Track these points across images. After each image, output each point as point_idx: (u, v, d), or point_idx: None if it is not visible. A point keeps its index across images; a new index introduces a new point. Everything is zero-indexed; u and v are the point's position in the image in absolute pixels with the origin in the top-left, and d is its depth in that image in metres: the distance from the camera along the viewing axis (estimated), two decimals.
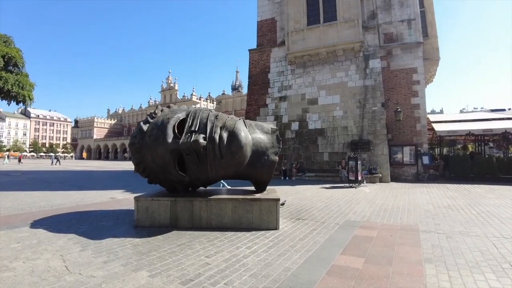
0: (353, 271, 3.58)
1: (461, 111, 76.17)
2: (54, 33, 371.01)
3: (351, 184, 13.64)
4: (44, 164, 44.36)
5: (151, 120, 5.82)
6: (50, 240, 4.79)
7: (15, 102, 6.95)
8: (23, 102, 6.89)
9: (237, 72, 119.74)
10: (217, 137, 5.28)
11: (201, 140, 5.09)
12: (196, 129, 5.37)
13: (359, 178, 13.70)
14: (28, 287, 3.09)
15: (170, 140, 5.23)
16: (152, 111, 6.14)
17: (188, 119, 5.60)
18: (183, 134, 5.29)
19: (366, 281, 3.28)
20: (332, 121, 18.16)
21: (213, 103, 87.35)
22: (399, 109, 16.40)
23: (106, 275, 3.41)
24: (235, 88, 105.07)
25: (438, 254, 4.20)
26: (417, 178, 17.06)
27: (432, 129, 19.15)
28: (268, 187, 6.96)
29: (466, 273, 3.54)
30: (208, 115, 5.69)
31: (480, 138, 19.95)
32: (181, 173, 5.45)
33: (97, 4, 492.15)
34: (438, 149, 22.31)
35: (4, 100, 6.90)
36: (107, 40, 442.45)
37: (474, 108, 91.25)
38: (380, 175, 15.83)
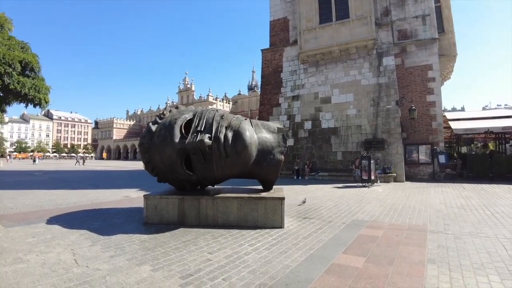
0: (352, 270, 3.59)
1: (483, 108, 73.62)
2: (72, 35, 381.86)
3: (364, 184, 13.49)
4: (65, 164, 45.85)
5: (159, 121, 5.99)
6: (63, 235, 5.03)
7: (32, 105, 7.34)
8: (39, 105, 7.26)
9: (253, 72, 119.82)
10: (222, 136, 5.38)
11: (206, 140, 5.21)
12: (202, 129, 5.49)
13: (372, 177, 13.53)
14: (38, 278, 3.29)
15: (177, 140, 5.38)
16: (161, 112, 6.31)
17: (195, 119, 5.73)
18: (190, 134, 5.42)
19: (364, 280, 3.29)
20: (345, 120, 17.99)
21: (229, 103, 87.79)
22: (413, 107, 16.08)
23: (111, 268, 3.58)
24: (251, 88, 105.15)
25: (442, 255, 4.14)
26: (433, 178, 16.67)
27: (449, 127, 18.65)
28: (276, 186, 7.02)
29: (469, 274, 3.48)
30: (214, 115, 5.81)
31: (500, 136, 19.26)
32: (188, 172, 5.58)
33: (114, 5, 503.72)
34: (457, 147, 21.69)
35: (22, 103, 7.29)
36: (125, 41, 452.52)
37: (498, 105, 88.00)
38: (395, 174, 15.56)
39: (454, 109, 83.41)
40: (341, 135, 18.01)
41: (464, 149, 19.08)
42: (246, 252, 4.22)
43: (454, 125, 17.88)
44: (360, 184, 13.64)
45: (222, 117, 5.80)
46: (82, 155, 64.88)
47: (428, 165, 17.10)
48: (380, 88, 16.98)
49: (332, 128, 18.34)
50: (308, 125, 19.25)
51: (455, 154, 20.65)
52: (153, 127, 5.88)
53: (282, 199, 5.74)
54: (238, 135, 5.42)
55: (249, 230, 5.40)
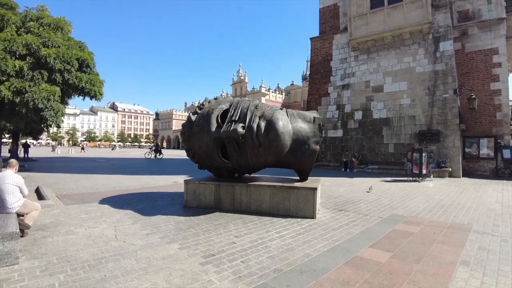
0: (373, 264, 3.53)
1: None
2: (134, 30, 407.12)
3: (414, 178, 12.76)
4: (127, 153, 49.82)
5: (199, 111, 6.32)
6: (110, 214, 5.63)
7: (89, 98, 8.28)
8: (95, 97, 8.16)
9: (307, 61, 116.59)
10: (255, 126, 5.52)
11: (239, 129, 5.39)
12: (237, 119, 5.67)
13: (424, 171, 12.72)
14: (82, 247, 3.82)
15: (213, 129, 5.65)
16: (201, 103, 6.64)
17: (231, 109, 5.93)
18: (225, 124, 5.65)
19: (382, 275, 3.22)
20: (398, 110, 16.95)
21: (281, 94, 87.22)
22: (473, 96, 14.56)
23: (144, 244, 3.97)
24: (305, 78, 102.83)
25: (480, 258, 3.83)
26: (496, 174, 15.10)
27: None
28: (315, 177, 7.05)
29: (504, 281, 3.19)
30: (249, 105, 5.95)
31: None
32: (224, 159, 5.83)
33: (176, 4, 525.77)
34: None
35: (80, 96, 8.28)
36: (182, 36, 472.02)
37: None
38: (450, 169, 14.42)
39: None
40: (393, 126, 17.07)
41: None
42: (271, 238, 4.35)
43: None
44: (411, 179, 12.92)
45: (256, 107, 5.93)
46: (159, 144, 71.89)
47: (490, 160, 15.51)
48: (436, 76, 15.69)
49: (384, 118, 17.43)
50: (358, 115, 18.53)
51: None
52: (193, 117, 6.23)
53: (314, 189, 5.74)
54: (271, 124, 5.51)
55: (279, 218, 5.52)
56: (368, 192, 9.27)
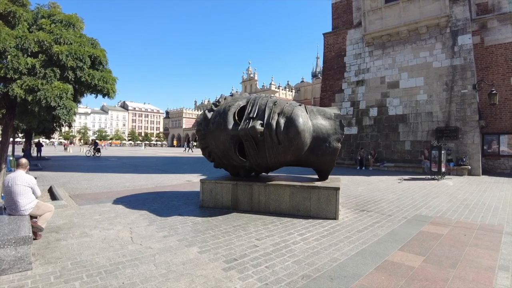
0: (407, 269, 3.29)
1: None
2: (144, 31, 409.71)
3: (433, 176, 12.38)
4: (139, 151, 50.02)
5: (215, 108, 6.12)
6: (125, 214, 5.47)
7: (101, 95, 8.14)
8: (108, 95, 8.01)
9: (317, 58, 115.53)
10: (274, 123, 5.29)
11: (258, 126, 5.16)
12: (255, 116, 5.44)
13: (443, 169, 12.34)
14: (97, 251, 3.65)
15: (230, 126, 5.43)
16: (217, 100, 6.44)
17: (248, 106, 5.71)
18: (242, 121, 5.43)
19: (418, 282, 2.99)
20: (415, 106, 16.52)
21: (292, 91, 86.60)
22: (494, 91, 14.00)
23: (162, 247, 3.78)
24: (315, 75, 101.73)
25: None
26: None
27: None
28: (334, 176, 6.80)
29: None
30: (267, 101, 5.72)
31: None
32: (241, 158, 5.62)
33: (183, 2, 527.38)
34: None
35: (92, 94, 8.15)
36: (191, 35, 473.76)
37: None
38: (469, 167, 13.99)
39: None
40: (409, 123, 16.63)
41: None
42: (295, 241, 4.14)
43: None
44: (429, 177, 12.54)
45: (275, 103, 5.70)
46: (191, 144, 72.66)
47: (510, 157, 14.98)
48: (454, 71, 15.20)
49: (400, 115, 17.01)
50: (373, 111, 18.13)
51: None
52: (209, 114, 6.03)
53: (336, 189, 5.50)
54: (290, 121, 5.28)
55: (300, 219, 5.31)
56: (399, 182, 10.57)
